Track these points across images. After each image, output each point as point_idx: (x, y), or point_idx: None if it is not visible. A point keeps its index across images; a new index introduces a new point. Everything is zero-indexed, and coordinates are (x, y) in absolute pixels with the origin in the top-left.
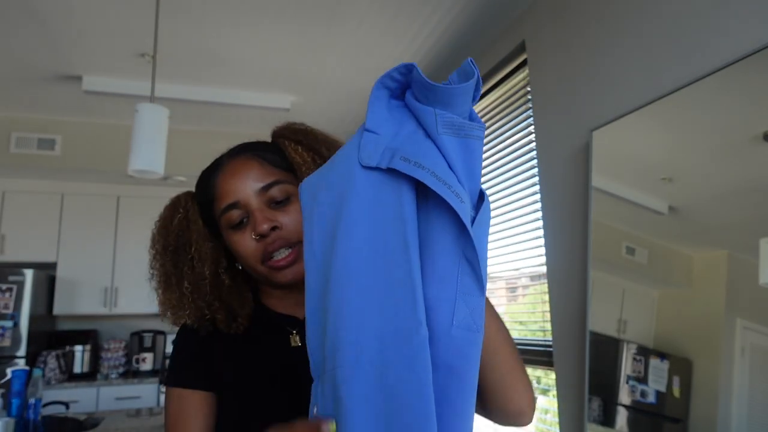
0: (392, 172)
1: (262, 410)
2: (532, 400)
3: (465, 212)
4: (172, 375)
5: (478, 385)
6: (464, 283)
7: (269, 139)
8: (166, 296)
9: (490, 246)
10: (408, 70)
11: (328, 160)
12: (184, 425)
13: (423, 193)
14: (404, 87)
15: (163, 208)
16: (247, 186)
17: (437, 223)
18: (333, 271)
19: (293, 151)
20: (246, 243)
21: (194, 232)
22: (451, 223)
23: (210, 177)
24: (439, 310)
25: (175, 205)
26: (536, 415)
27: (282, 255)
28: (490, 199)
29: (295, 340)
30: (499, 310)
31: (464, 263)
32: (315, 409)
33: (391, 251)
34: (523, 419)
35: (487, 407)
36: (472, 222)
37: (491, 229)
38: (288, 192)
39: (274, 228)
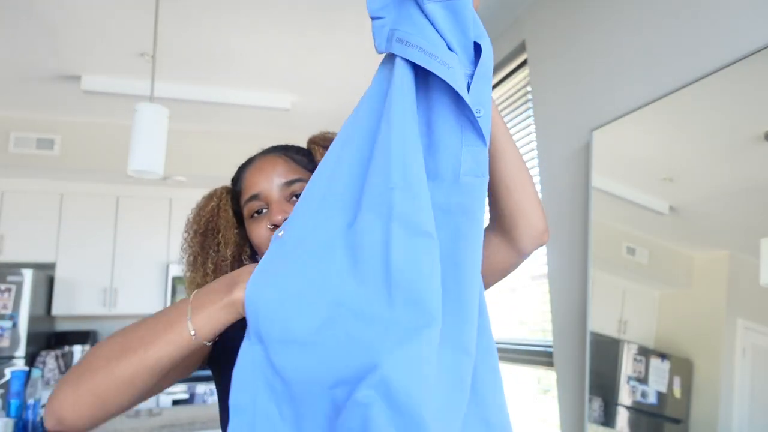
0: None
1: None
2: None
3: (455, 78)
4: None
5: (506, 215)
6: (467, 137)
7: (304, 145)
8: (191, 276)
9: None
10: None
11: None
12: None
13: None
14: None
15: (201, 198)
16: (271, 180)
17: (438, 89)
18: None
19: (321, 157)
20: (261, 231)
21: (223, 219)
22: (450, 88)
23: (242, 171)
24: (449, 161)
25: (211, 196)
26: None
27: None
28: None
29: None
30: (500, 310)
31: (464, 120)
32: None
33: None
34: (546, 235)
35: (515, 233)
36: (472, 77)
37: None
38: None
39: None
